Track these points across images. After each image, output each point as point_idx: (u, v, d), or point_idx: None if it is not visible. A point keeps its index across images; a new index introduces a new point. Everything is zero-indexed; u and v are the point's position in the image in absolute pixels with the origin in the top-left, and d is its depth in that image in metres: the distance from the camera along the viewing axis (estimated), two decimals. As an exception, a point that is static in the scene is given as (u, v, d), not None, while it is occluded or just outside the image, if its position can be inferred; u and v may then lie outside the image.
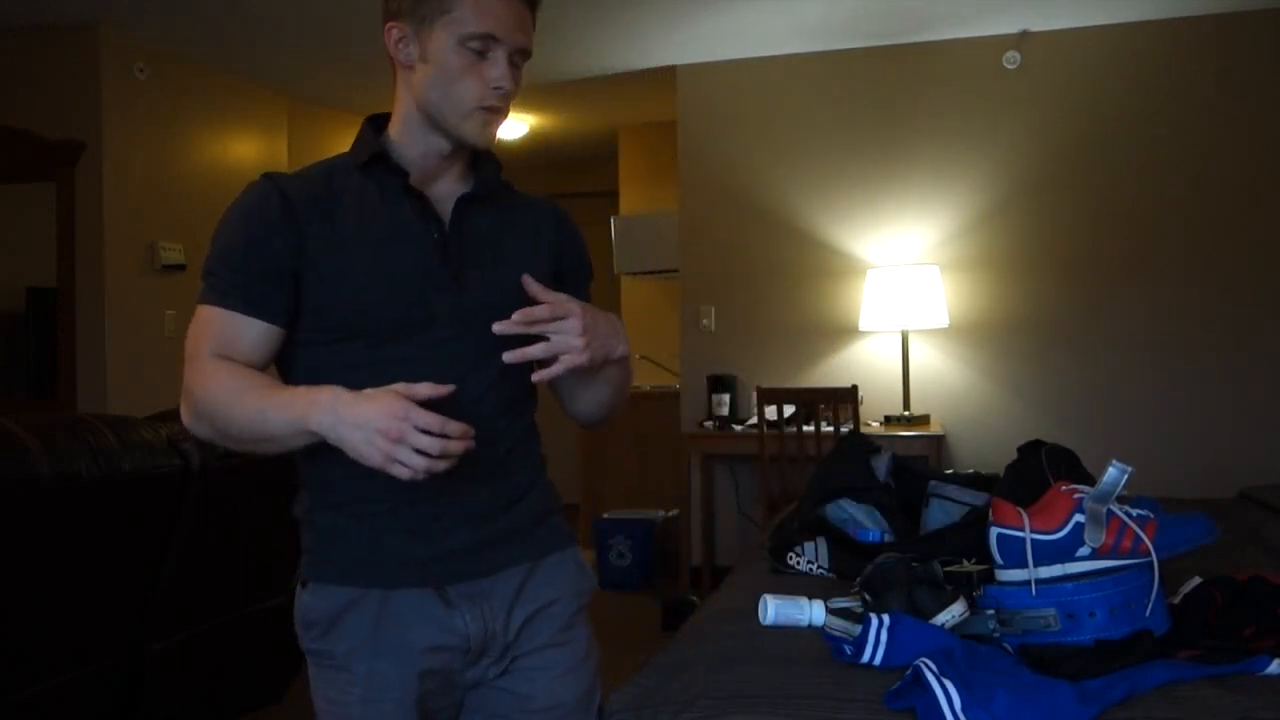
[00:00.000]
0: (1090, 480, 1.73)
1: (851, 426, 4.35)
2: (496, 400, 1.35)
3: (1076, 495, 1.55)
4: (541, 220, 1.46)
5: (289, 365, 1.34)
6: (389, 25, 1.32)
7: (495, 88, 1.29)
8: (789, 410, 4.56)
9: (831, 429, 4.48)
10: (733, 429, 4.81)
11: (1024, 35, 4.78)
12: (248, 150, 5.47)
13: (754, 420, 4.67)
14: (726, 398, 4.96)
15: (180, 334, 5.19)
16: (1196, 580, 1.69)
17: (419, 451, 1.13)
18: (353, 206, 1.32)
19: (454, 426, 1.15)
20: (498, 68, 1.29)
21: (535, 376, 1.30)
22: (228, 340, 1.28)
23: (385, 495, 1.29)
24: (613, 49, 4.93)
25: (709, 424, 4.91)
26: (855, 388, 4.41)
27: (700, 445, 4.89)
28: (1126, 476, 1.48)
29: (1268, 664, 1.39)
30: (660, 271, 5.87)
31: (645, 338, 6.17)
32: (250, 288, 1.28)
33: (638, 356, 6.10)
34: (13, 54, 4.60)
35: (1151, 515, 1.55)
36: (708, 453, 4.98)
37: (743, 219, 5.14)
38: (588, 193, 6.82)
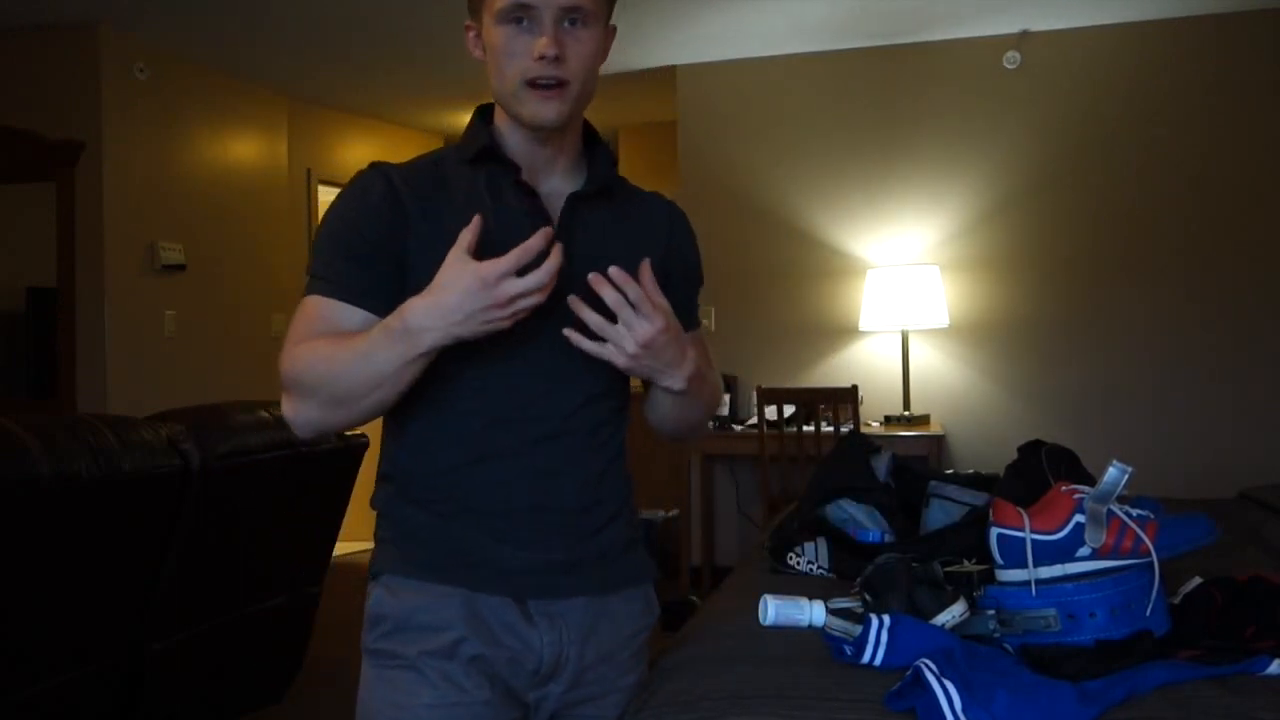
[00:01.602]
0: (1090, 480, 1.73)
1: (851, 426, 4.35)
2: (593, 414, 1.30)
3: (1077, 495, 1.55)
4: (655, 219, 1.40)
5: None
6: (467, 26, 1.31)
7: (539, 58, 1.21)
8: (789, 410, 4.56)
9: (831, 429, 4.48)
10: (733, 429, 4.81)
11: (1024, 35, 4.78)
12: (248, 150, 5.47)
13: (754, 420, 4.67)
14: (726, 398, 4.96)
15: (180, 334, 5.19)
16: (1196, 580, 1.68)
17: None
18: (460, 200, 1.26)
19: (518, 283, 1.10)
20: (539, 37, 1.21)
21: (566, 330, 1.20)
22: (329, 330, 1.22)
23: (479, 497, 1.26)
24: (613, 49, 4.91)
25: (709, 424, 4.90)
26: (855, 388, 4.41)
27: (700, 445, 4.89)
28: (1127, 476, 1.48)
29: (1268, 664, 1.39)
30: (660, 271, 5.86)
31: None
32: (351, 276, 1.23)
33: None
34: (13, 54, 4.60)
35: (1152, 515, 1.55)
36: (708, 453, 4.98)
37: (743, 219, 5.14)
38: (588, 193, 6.82)
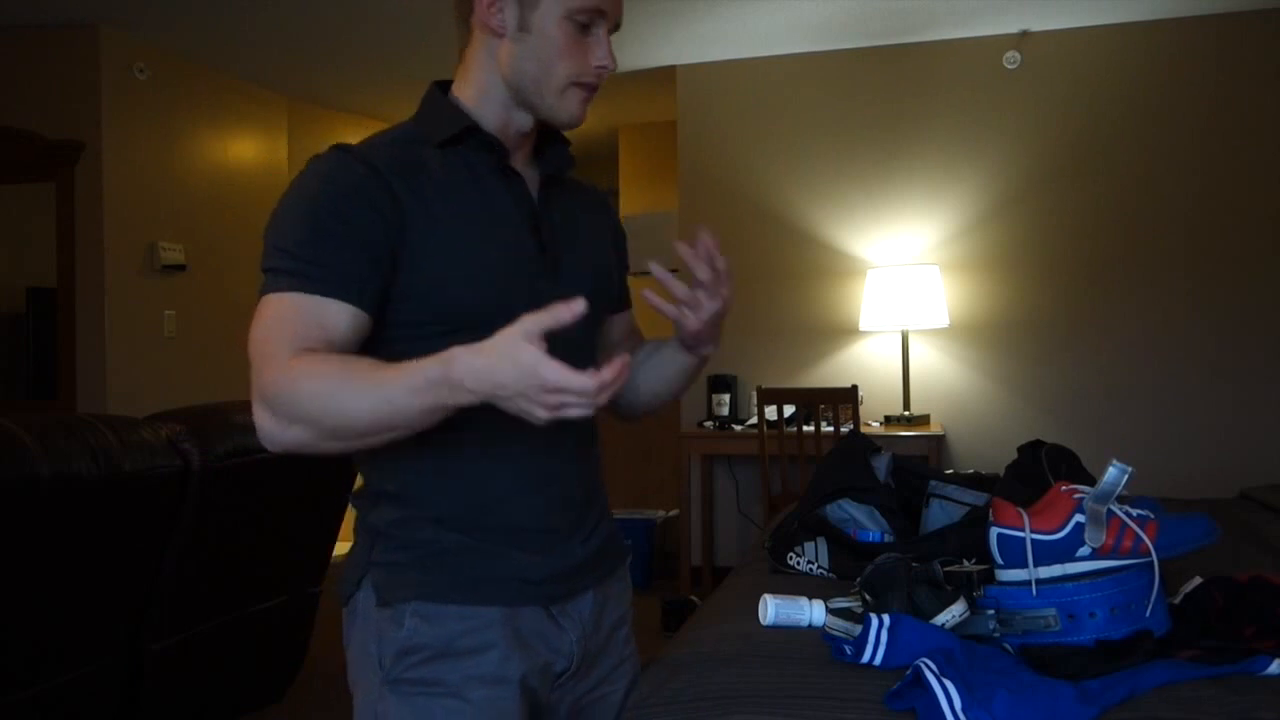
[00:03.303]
0: (1090, 480, 1.73)
1: (851, 426, 4.35)
2: None
3: (1077, 495, 1.55)
4: (599, 202, 1.42)
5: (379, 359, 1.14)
6: None
7: (599, 66, 1.22)
8: (789, 410, 4.56)
9: (831, 429, 4.48)
10: (733, 429, 4.81)
11: (1024, 35, 4.78)
12: (248, 150, 5.47)
13: (754, 420, 4.67)
14: (726, 398, 4.96)
15: (180, 334, 5.17)
16: (1196, 580, 1.68)
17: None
18: (444, 185, 1.19)
19: (579, 383, 0.96)
20: (602, 45, 1.21)
21: (647, 294, 1.23)
22: (314, 332, 1.09)
23: (508, 508, 1.22)
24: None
25: (709, 424, 4.91)
26: (855, 388, 4.41)
27: (700, 445, 4.89)
28: (1126, 476, 1.48)
29: (1268, 664, 1.39)
30: (660, 271, 5.86)
31: (645, 338, 6.15)
32: (338, 268, 1.11)
33: (638, 356, 6.10)
34: (13, 54, 4.60)
35: (1152, 515, 1.55)
36: (708, 453, 4.98)
37: (743, 219, 5.14)
38: (588, 193, 6.82)
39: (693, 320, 1.27)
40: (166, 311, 4.86)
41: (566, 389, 0.95)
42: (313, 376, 1.05)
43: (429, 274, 1.15)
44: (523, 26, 1.19)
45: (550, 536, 1.24)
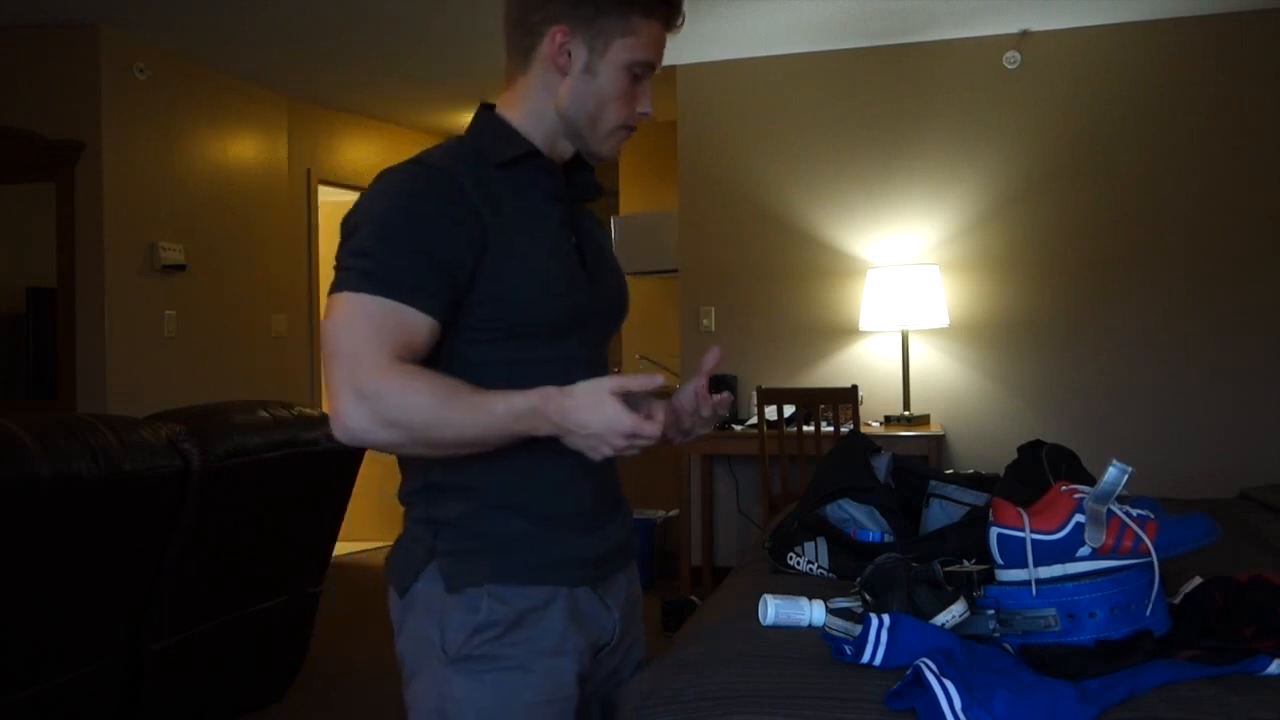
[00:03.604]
0: (1090, 480, 1.73)
1: (851, 426, 4.35)
2: None
3: (1077, 495, 1.55)
4: (598, 219, 1.53)
5: (442, 359, 1.26)
6: (555, 29, 1.30)
7: (642, 112, 1.36)
8: (789, 410, 4.56)
9: (831, 429, 4.48)
10: (733, 429, 4.81)
11: (1024, 35, 4.78)
12: (248, 150, 5.47)
13: (754, 420, 4.67)
14: (728, 398, 4.95)
15: (180, 334, 5.17)
16: (1196, 580, 1.68)
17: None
18: (509, 201, 1.29)
19: (649, 430, 1.17)
20: (647, 94, 1.36)
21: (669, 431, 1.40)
22: (405, 340, 1.20)
23: (565, 499, 1.33)
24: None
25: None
26: (855, 388, 4.41)
27: (700, 445, 4.89)
28: (1126, 476, 1.48)
29: (1268, 664, 1.39)
30: (660, 271, 5.87)
31: (645, 338, 6.16)
32: (420, 278, 1.20)
33: (637, 357, 6.11)
34: (13, 54, 4.60)
35: (1152, 515, 1.55)
36: (708, 453, 4.98)
37: (743, 219, 5.14)
38: (588, 193, 6.82)
39: (676, 435, 1.42)
40: (166, 311, 4.87)
41: (640, 435, 1.16)
42: (420, 391, 1.17)
43: (505, 286, 1.25)
44: (588, 69, 1.32)
45: (596, 521, 1.37)
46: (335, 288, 1.22)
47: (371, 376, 1.16)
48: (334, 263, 1.24)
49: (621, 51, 1.30)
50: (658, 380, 1.18)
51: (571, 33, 1.30)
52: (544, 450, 1.25)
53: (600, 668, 1.39)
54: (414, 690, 1.33)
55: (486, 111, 1.37)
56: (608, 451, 1.17)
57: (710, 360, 1.31)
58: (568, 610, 1.32)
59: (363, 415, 1.16)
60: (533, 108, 1.34)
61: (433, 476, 1.32)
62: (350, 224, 1.25)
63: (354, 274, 1.20)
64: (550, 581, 1.31)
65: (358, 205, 1.26)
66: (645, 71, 1.33)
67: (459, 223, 1.23)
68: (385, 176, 1.27)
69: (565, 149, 1.37)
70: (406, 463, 1.35)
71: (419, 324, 1.21)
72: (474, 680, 1.28)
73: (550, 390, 1.18)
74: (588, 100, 1.32)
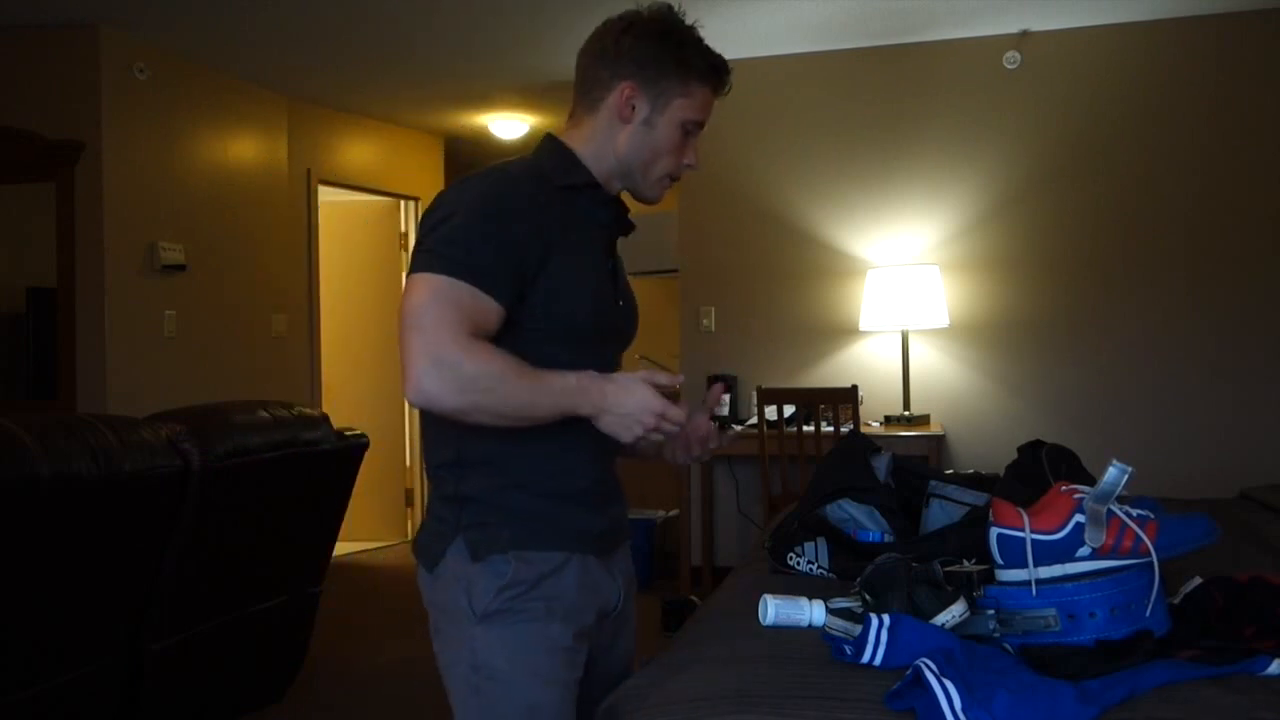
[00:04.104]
0: (1090, 480, 1.73)
1: (851, 426, 4.35)
2: None
3: (1077, 495, 1.55)
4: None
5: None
6: (624, 84, 1.49)
7: (688, 165, 1.55)
8: (789, 410, 4.56)
9: (831, 429, 4.48)
10: (733, 429, 4.80)
11: (1024, 35, 4.78)
12: (248, 150, 5.47)
13: (754, 420, 4.67)
14: (726, 398, 4.96)
15: (180, 334, 5.16)
16: (1196, 580, 1.69)
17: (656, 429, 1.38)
18: (568, 219, 1.47)
19: (675, 414, 1.38)
20: (694, 150, 1.56)
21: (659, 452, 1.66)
22: (479, 321, 1.36)
23: (576, 481, 1.50)
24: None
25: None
26: (855, 388, 4.41)
27: (700, 445, 4.88)
28: (1126, 476, 1.48)
29: (1268, 664, 1.39)
30: (660, 271, 5.87)
31: (645, 338, 6.13)
32: (497, 270, 1.37)
33: (637, 357, 6.10)
34: (13, 54, 4.60)
35: (1152, 515, 1.55)
36: (708, 453, 4.97)
37: (743, 219, 5.14)
38: (588, 193, 6.82)
39: (680, 455, 1.64)
40: (166, 311, 4.87)
41: (668, 417, 1.37)
42: (492, 362, 1.34)
43: (557, 293, 1.43)
44: (647, 122, 1.50)
45: (602, 498, 1.54)
46: (421, 268, 1.37)
47: (450, 348, 1.31)
48: (417, 246, 1.41)
49: (678, 110, 1.50)
50: (680, 378, 1.42)
51: (638, 89, 1.49)
52: (559, 439, 1.43)
53: (602, 632, 1.55)
54: (447, 658, 1.48)
55: (553, 140, 1.54)
56: (639, 430, 1.36)
57: (715, 397, 1.58)
58: (580, 575, 1.48)
59: (441, 381, 1.32)
60: (595, 148, 1.52)
61: (460, 455, 1.47)
62: (438, 214, 1.41)
63: (441, 259, 1.36)
64: (565, 548, 1.47)
65: (445, 198, 1.44)
66: (695, 129, 1.53)
67: (534, 228, 1.40)
68: (473, 178, 1.45)
69: (615, 187, 1.54)
70: (440, 436, 1.49)
71: (492, 309, 1.37)
72: (502, 629, 1.43)
73: (594, 373, 1.39)
74: (644, 149, 1.51)
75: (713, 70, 1.54)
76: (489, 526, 1.46)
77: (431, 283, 1.35)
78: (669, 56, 1.50)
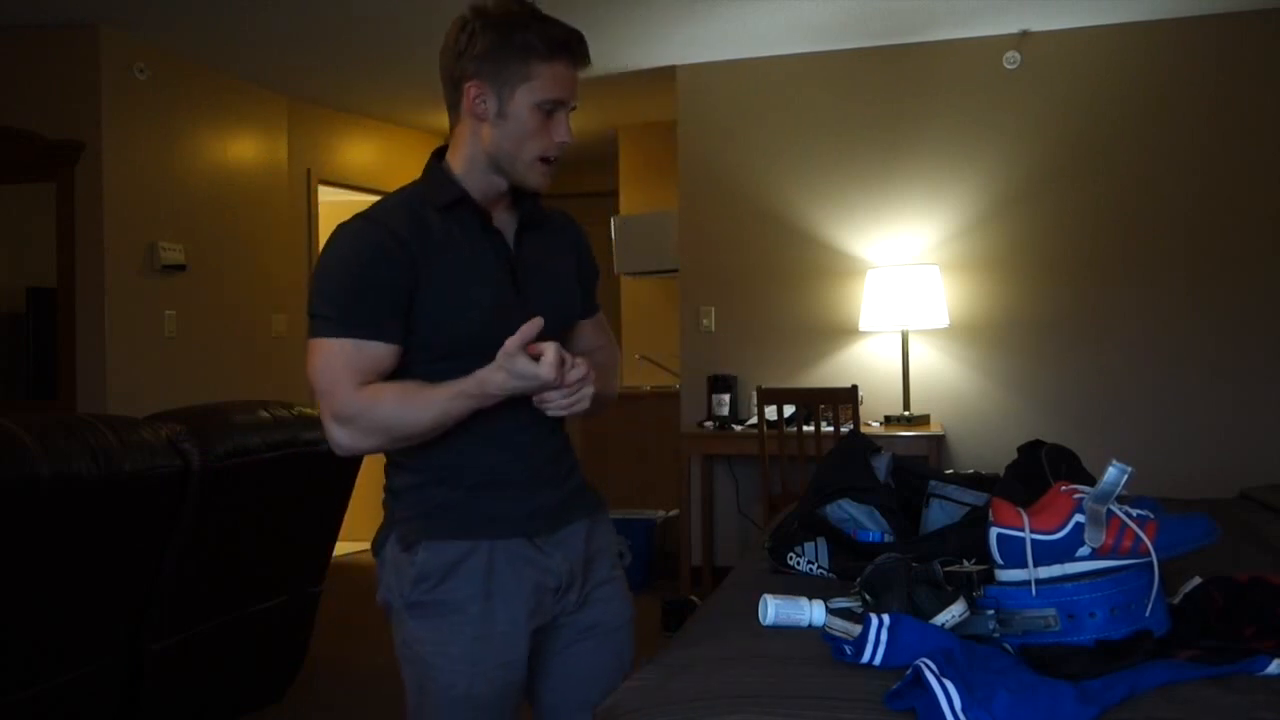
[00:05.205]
0: (1090, 480, 1.73)
1: (851, 426, 4.35)
2: None
3: (1076, 495, 1.55)
4: (565, 232, 1.73)
5: (395, 377, 1.54)
6: (469, 84, 1.52)
7: (560, 142, 1.55)
8: (789, 410, 4.56)
9: (831, 429, 4.48)
10: (733, 429, 4.81)
11: (1024, 35, 4.78)
12: (248, 150, 5.47)
13: (754, 420, 4.67)
14: (726, 398, 4.96)
15: (180, 334, 5.16)
16: (1196, 580, 1.68)
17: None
18: (443, 243, 1.54)
19: (544, 372, 1.44)
20: (562, 125, 1.55)
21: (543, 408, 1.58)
22: (370, 368, 1.50)
23: (492, 471, 1.59)
24: (613, 49, 4.93)
25: (709, 424, 4.91)
26: (855, 388, 4.41)
27: (700, 445, 4.89)
28: (1126, 476, 1.48)
29: (1268, 664, 1.39)
30: (660, 271, 5.87)
31: (645, 338, 6.17)
32: (375, 317, 1.49)
33: (637, 357, 6.10)
34: (13, 54, 4.60)
35: (1151, 515, 1.55)
36: (708, 453, 4.98)
37: (743, 219, 5.14)
38: (587, 193, 6.82)
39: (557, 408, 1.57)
40: (166, 311, 4.87)
41: (538, 376, 1.44)
42: (383, 403, 1.49)
43: (435, 314, 1.52)
44: (500, 114, 1.53)
45: (528, 487, 1.62)
46: (310, 334, 1.51)
47: (348, 404, 1.48)
48: (307, 312, 1.53)
49: (526, 95, 1.51)
50: (538, 321, 1.43)
51: (483, 85, 1.52)
52: (467, 432, 1.54)
53: (569, 597, 1.64)
54: (394, 637, 1.62)
55: (435, 160, 1.61)
56: (564, 401, 1.48)
57: (531, 329, 1.44)
58: (494, 559, 1.56)
59: (349, 434, 1.50)
60: (467, 153, 1.57)
61: (392, 455, 1.62)
62: (315, 278, 1.53)
63: (322, 321, 1.50)
64: (469, 537, 1.56)
65: (319, 260, 1.56)
66: (557, 107, 1.54)
67: (404, 262, 1.50)
68: (335, 235, 1.54)
69: (500, 182, 1.58)
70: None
71: (382, 353, 1.51)
72: (421, 622, 1.57)
73: (479, 372, 1.47)
74: (505, 140, 1.54)
75: (557, 45, 1.52)
76: (412, 520, 1.59)
77: (319, 347, 1.50)
78: (505, 44, 1.50)
